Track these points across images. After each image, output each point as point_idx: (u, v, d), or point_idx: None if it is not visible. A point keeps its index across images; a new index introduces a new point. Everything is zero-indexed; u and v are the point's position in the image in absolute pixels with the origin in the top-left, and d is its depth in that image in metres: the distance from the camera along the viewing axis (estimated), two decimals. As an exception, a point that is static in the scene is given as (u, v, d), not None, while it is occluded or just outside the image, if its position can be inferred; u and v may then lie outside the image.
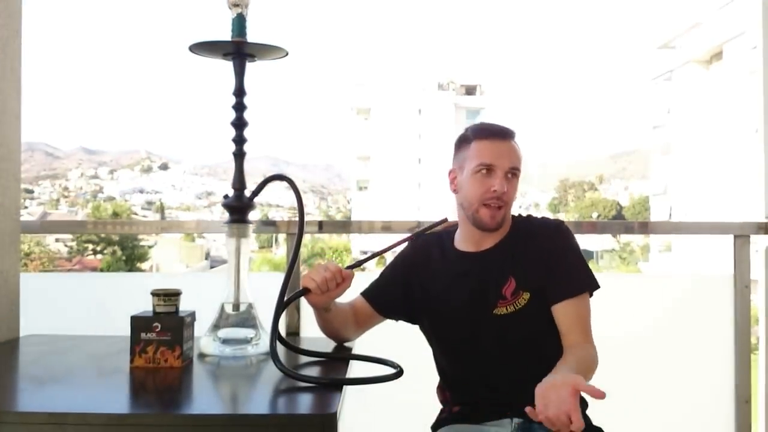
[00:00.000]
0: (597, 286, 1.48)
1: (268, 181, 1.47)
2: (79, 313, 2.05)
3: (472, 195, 1.47)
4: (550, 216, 1.84)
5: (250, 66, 1.52)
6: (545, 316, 1.45)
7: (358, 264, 1.48)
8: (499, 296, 1.46)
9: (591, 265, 1.53)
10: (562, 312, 1.44)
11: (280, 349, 1.31)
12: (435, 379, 1.61)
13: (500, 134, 1.48)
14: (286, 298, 1.38)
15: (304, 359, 1.41)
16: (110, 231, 2.44)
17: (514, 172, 1.46)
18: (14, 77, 1.72)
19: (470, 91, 52.27)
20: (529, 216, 1.57)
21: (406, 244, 1.56)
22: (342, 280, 1.40)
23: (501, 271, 1.47)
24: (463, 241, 1.54)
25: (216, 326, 1.46)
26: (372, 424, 1.98)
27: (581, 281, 1.47)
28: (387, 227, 2.12)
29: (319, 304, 1.43)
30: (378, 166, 47.65)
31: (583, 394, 1.17)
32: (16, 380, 1.36)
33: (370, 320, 1.57)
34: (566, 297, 1.44)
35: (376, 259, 1.52)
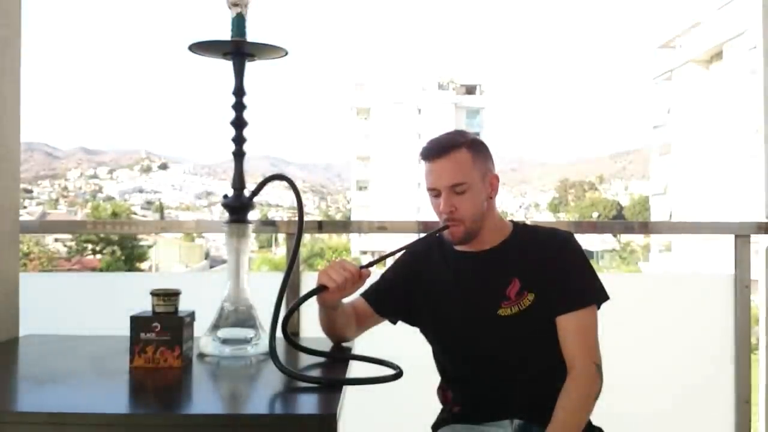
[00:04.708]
0: (605, 298, 1.47)
1: (267, 180, 1.47)
2: (78, 313, 2.04)
3: (436, 215, 1.50)
4: (552, 218, 1.84)
5: (249, 65, 1.52)
6: (549, 318, 1.45)
7: (374, 263, 1.46)
8: (502, 297, 1.46)
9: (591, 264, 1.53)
10: (564, 325, 1.43)
11: (280, 349, 1.31)
12: (435, 379, 1.61)
13: (436, 153, 1.46)
14: (302, 296, 1.38)
15: (304, 360, 1.40)
16: (109, 231, 2.44)
17: (456, 189, 1.44)
18: (13, 77, 1.72)
19: (470, 90, 52.26)
20: (536, 226, 1.58)
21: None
22: (358, 278, 1.39)
23: (503, 272, 1.47)
24: None
25: (215, 326, 1.46)
26: (372, 424, 1.98)
27: (587, 294, 1.46)
28: (386, 227, 2.12)
29: (331, 302, 1.42)
30: (378, 166, 47.65)
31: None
32: (16, 380, 1.36)
33: (369, 321, 1.57)
34: (570, 309, 1.43)
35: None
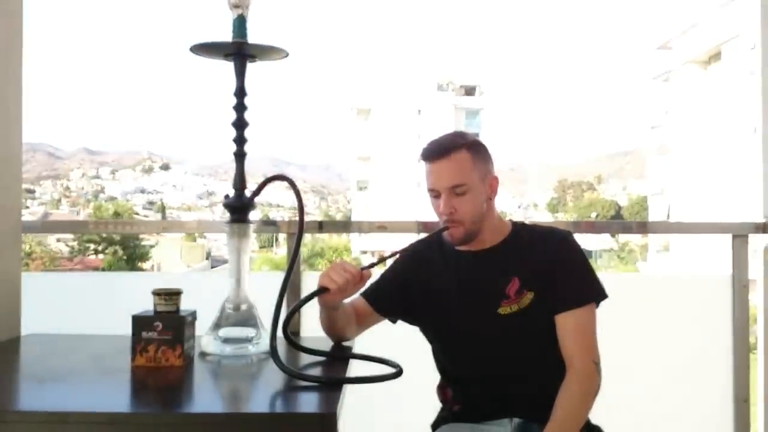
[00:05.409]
0: (604, 296, 1.48)
1: (268, 181, 1.48)
2: (80, 313, 2.05)
3: (436, 215, 1.51)
4: (551, 218, 1.85)
5: (250, 66, 1.53)
6: (548, 316, 1.46)
7: (374, 264, 1.47)
8: (502, 296, 1.47)
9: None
10: (563, 323, 1.45)
11: (281, 348, 1.32)
12: (435, 378, 1.62)
13: (436, 154, 1.46)
14: (303, 297, 1.39)
15: (305, 359, 1.41)
16: (111, 231, 2.44)
17: (456, 190, 1.45)
18: (15, 77, 1.73)
19: (469, 91, 52.24)
20: (535, 225, 1.59)
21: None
22: (359, 280, 1.40)
23: (503, 271, 1.48)
24: None
25: (217, 325, 1.47)
26: (372, 422, 1.99)
27: (585, 292, 1.47)
28: (386, 227, 2.12)
29: (332, 303, 1.43)
30: (378, 167, 47.61)
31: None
32: (18, 379, 1.37)
33: (369, 320, 1.58)
34: (569, 308, 1.44)
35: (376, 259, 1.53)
